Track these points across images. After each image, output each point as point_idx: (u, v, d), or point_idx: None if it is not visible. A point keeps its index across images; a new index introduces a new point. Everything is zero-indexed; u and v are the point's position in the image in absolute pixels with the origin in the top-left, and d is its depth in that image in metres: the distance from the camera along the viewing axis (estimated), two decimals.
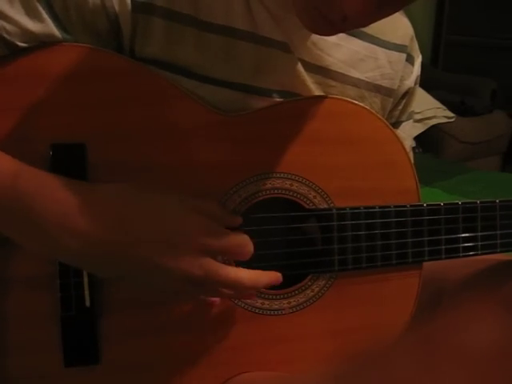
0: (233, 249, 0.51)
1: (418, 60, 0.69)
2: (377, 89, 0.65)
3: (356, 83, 0.63)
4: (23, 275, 0.53)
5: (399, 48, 0.66)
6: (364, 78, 0.63)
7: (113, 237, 0.46)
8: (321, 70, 0.61)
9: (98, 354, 0.55)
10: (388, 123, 0.62)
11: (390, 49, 0.65)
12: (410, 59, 0.67)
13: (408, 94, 0.69)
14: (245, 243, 0.52)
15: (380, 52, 0.64)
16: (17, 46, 0.50)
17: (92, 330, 0.54)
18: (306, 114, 0.58)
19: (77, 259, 0.48)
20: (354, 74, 0.62)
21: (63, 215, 0.46)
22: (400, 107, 0.69)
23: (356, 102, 0.60)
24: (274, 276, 0.54)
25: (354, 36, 0.62)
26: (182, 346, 0.57)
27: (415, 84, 0.69)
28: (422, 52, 0.70)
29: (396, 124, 0.70)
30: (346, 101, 0.60)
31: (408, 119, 0.71)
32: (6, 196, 0.45)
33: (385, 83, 0.65)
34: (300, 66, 0.59)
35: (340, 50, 0.61)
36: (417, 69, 0.69)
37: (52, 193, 0.47)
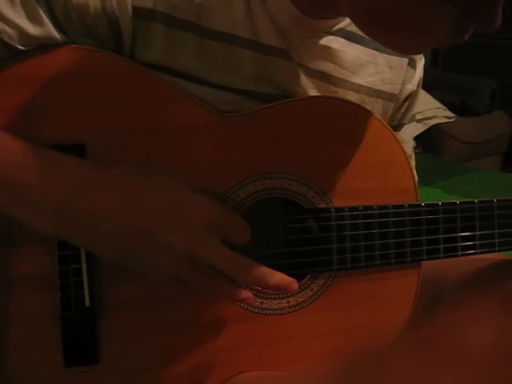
0: (233, 227, 0.53)
1: (421, 63, 0.68)
2: (378, 94, 0.64)
3: (357, 89, 0.63)
4: (23, 275, 0.53)
5: None
6: (364, 84, 0.63)
7: (120, 212, 0.49)
8: (322, 76, 0.60)
9: (97, 354, 0.55)
10: (385, 123, 0.62)
11: (390, 54, 0.64)
12: (411, 63, 0.66)
13: (410, 96, 0.68)
14: (244, 226, 0.53)
15: (380, 57, 0.63)
16: (17, 48, 0.50)
17: (92, 330, 0.54)
18: (305, 114, 0.58)
19: (80, 235, 0.50)
20: (355, 79, 0.62)
21: (73, 190, 0.48)
22: (402, 110, 0.68)
23: (354, 102, 0.60)
24: (286, 280, 0.53)
25: (357, 42, 0.61)
26: (182, 346, 0.57)
27: (418, 87, 0.69)
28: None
29: (398, 126, 0.69)
30: (344, 101, 0.60)
31: (410, 122, 0.71)
32: (9, 170, 0.47)
33: (386, 88, 0.65)
34: (301, 73, 0.59)
35: (344, 57, 0.61)
36: (419, 72, 0.68)
37: (61, 168, 0.49)
